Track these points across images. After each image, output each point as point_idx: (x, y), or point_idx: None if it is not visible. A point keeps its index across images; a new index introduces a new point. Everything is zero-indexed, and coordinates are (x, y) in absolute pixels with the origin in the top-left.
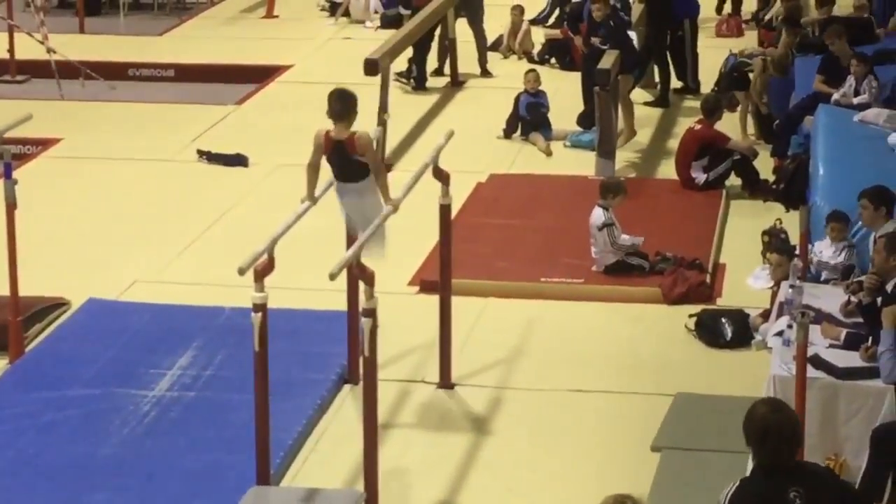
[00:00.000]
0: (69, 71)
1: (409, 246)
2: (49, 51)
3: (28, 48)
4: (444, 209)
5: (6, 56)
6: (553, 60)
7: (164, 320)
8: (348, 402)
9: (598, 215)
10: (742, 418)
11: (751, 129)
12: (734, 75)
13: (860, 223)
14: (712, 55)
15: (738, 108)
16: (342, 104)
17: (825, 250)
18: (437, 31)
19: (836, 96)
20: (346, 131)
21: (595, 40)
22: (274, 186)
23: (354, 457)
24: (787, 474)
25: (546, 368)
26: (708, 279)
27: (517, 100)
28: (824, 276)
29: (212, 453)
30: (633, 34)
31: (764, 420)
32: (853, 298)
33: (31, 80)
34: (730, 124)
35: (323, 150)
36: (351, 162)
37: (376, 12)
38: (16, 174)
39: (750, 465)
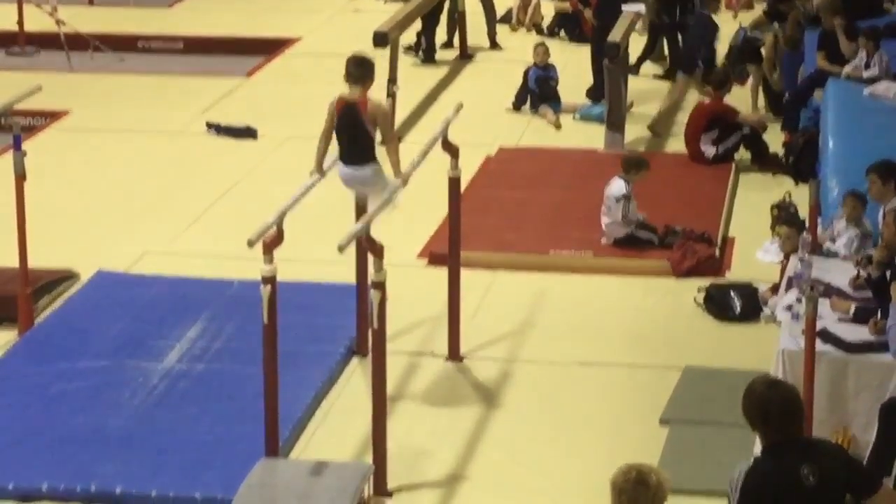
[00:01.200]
0: (78, 43)
1: (419, 218)
2: (58, 22)
3: (37, 20)
4: (454, 182)
5: (15, 28)
6: (562, 33)
7: (173, 292)
8: (357, 375)
9: (618, 186)
10: None
11: (761, 102)
12: (745, 49)
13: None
14: (722, 29)
15: (749, 82)
16: (360, 68)
17: (842, 235)
18: (447, 4)
19: (847, 69)
20: (361, 94)
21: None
22: (283, 159)
23: (363, 429)
24: (798, 451)
25: (555, 341)
26: (717, 252)
27: (526, 73)
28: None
29: (221, 425)
30: (641, 7)
31: (762, 398)
32: (862, 272)
33: (40, 52)
34: (740, 98)
35: (335, 115)
36: (360, 131)
37: None
38: (25, 146)
39: (758, 441)
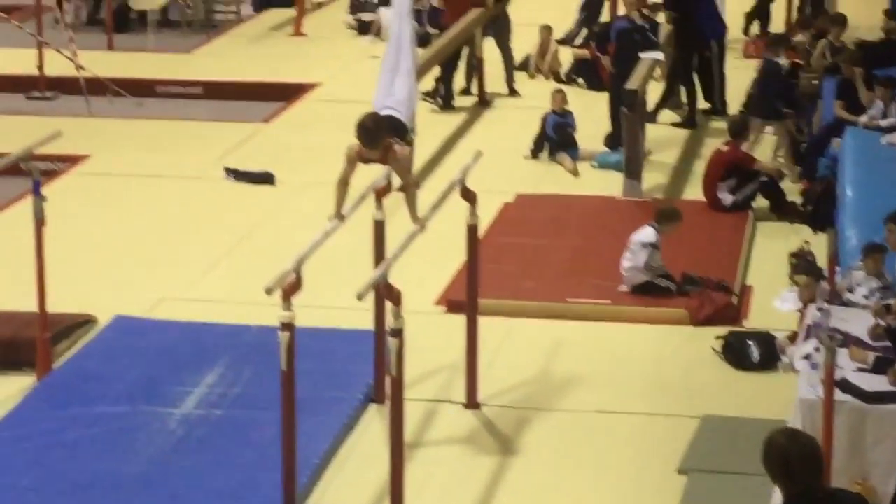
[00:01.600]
0: (97, 88)
1: (436, 265)
2: (78, 67)
3: (57, 65)
4: (472, 229)
5: (35, 72)
6: (580, 80)
7: (191, 338)
8: (374, 422)
9: (648, 233)
10: None
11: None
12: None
13: None
14: (740, 76)
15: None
16: (369, 135)
17: (861, 285)
18: (465, 51)
19: (864, 119)
20: (381, 153)
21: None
22: (301, 205)
23: (380, 477)
24: (819, 502)
25: (572, 389)
26: (735, 301)
27: (544, 120)
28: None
29: (238, 472)
30: (659, 54)
31: (783, 450)
32: (881, 322)
33: (60, 97)
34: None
35: (355, 162)
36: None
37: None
38: (44, 191)
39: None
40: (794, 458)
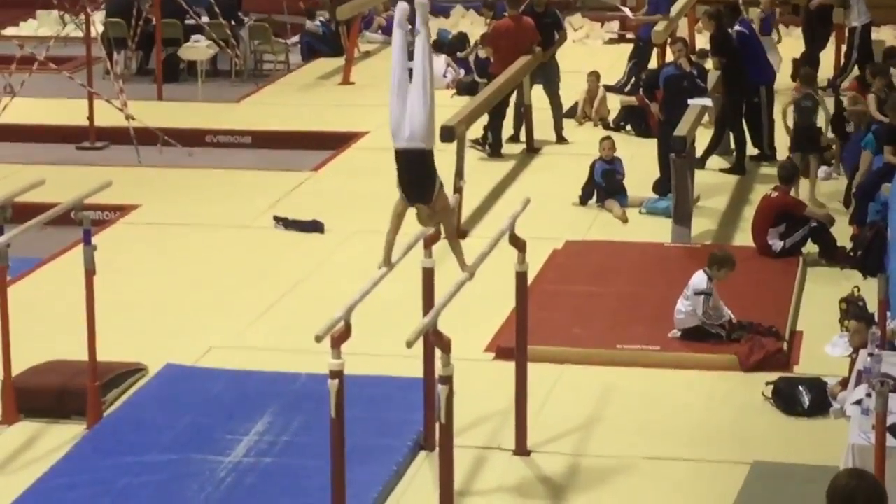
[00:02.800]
0: (147, 137)
1: (486, 312)
2: (128, 117)
3: (107, 115)
4: (521, 276)
5: (86, 123)
6: (629, 127)
7: (240, 386)
8: (424, 469)
9: (699, 280)
10: (820, 487)
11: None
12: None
13: None
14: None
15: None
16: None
17: None
18: (513, 98)
19: None
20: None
21: None
22: (350, 253)
23: None
24: None
25: (622, 436)
26: (785, 346)
27: (592, 166)
28: None
29: None
30: (708, 101)
31: (848, 487)
32: None
33: (110, 147)
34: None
35: (403, 217)
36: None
37: (445, 76)
38: (94, 240)
39: None
40: (860, 496)
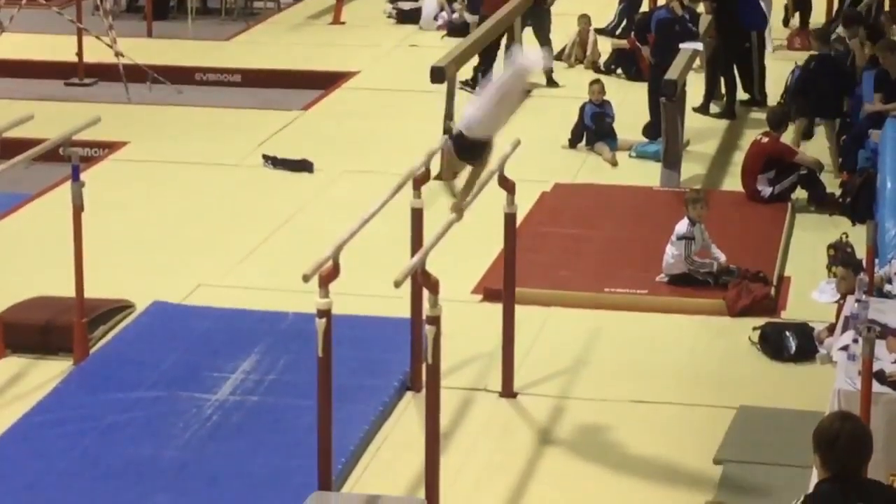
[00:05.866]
0: (136, 75)
1: (474, 254)
2: (117, 54)
3: (96, 52)
4: (509, 218)
5: (75, 59)
6: (619, 71)
7: (227, 324)
8: (410, 410)
9: (681, 225)
10: (806, 432)
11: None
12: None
13: None
14: (779, 67)
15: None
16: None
17: None
18: (504, 40)
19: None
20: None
21: None
22: (339, 192)
23: (416, 464)
24: (854, 490)
25: (608, 379)
26: (773, 292)
27: (582, 109)
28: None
29: (274, 458)
30: (699, 45)
31: (833, 427)
32: None
33: (99, 84)
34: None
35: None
36: None
37: (436, 19)
38: (83, 177)
39: (813, 481)
40: (844, 436)
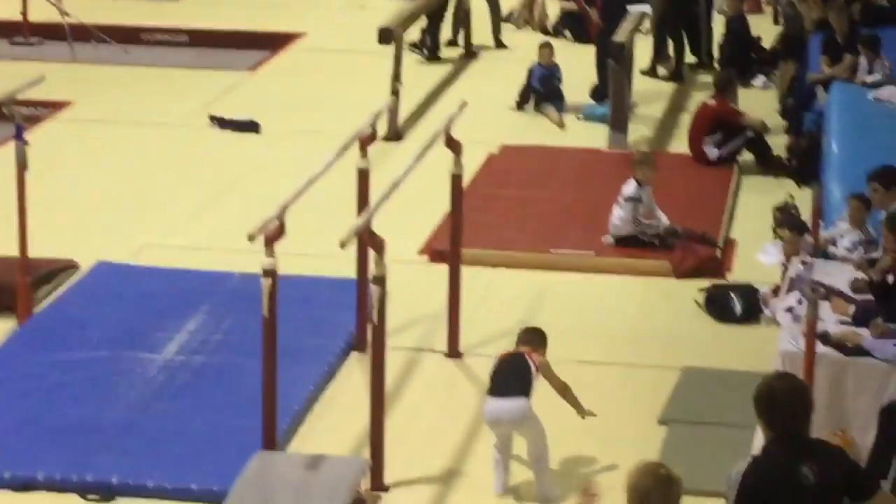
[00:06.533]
0: (82, 34)
1: (420, 215)
2: (62, 13)
3: (41, 10)
4: (456, 179)
5: (19, 18)
6: (567, 33)
7: (173, 284)
8: (356, 370)
9: (627, 187)
10: (750, 393)
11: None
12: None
13: None
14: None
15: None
16: (532, 335)
17: (844, 237)
18: (452, 2)
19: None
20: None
21: None
22: (285, 153)
23: (361, 424)
24: (799, 450)
25: (554, 339)
26: (718, 254)
27: (530, 72)
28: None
29: (218, 417)
30: (647, 7)
31: (770, 389)
32: (863, 276)
33: (44, 43)
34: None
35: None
36: (520, 362)
37: None
38: (27, 136)
39: (757, 441)
40: (782, 396)
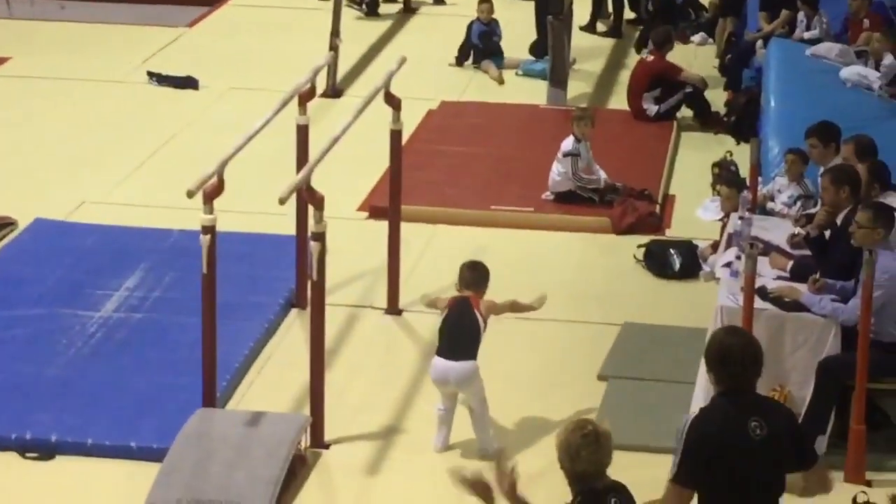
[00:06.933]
0: None
1: (360, 171)
2: None
3: None
4: (395, 135)
5: None
6: None
7: (111, 241)
8: (295, 327)
9: (567, 142)
10: (688, 348)
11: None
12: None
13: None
14: None
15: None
16: (475, 273)
17: (783, 192)
18: None
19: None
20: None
21: None
22: (224, 109)
23: (301, 381)
24: (748, 405)
25: (494, 296)
26: (657, 210)
27: (470, 28)
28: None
29: (158, 375)
30: None
31: (722, 344)
32: (801, 231)
33: None
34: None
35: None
36: (469, 318)
37: None
38: None
39: (696, 396)
40: (734, 351)
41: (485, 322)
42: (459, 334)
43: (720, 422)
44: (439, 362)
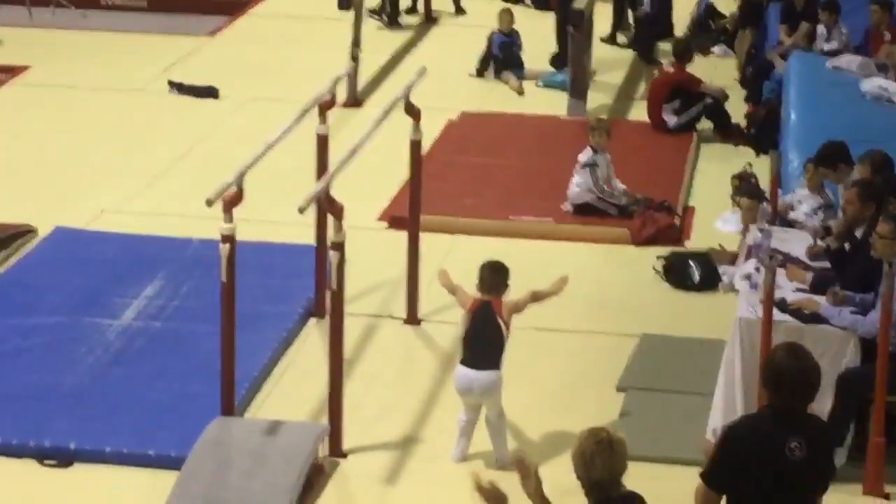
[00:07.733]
0: None
1: (380, 181)
2: None
3: None
4: (415, 145)
5: None
6: (527, 0)
7: (131, 250)
8: (314, 336)
9: (583, 154)
10: (707, 360)
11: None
12: (707, 20)
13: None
14: None
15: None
16: (495, 277)
17: (803, 202)
18: None
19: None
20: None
21: None
22: (244, 119)
23: (319, 390)
24: (792, 424)
25: None
26: (677, 221)
27: (490, 38)
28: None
29: (177, 383)
30: None
31: (779, 365)
32: (820, 243)
33: (1, 6)
34: (701, 68)
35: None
36: (492, 325)
37: None
38: None
39: (715, 406)
40: (789, 377)
41: (507, 326)
42: (483, 343)
43: (758, 435)
44: (463, 372)
